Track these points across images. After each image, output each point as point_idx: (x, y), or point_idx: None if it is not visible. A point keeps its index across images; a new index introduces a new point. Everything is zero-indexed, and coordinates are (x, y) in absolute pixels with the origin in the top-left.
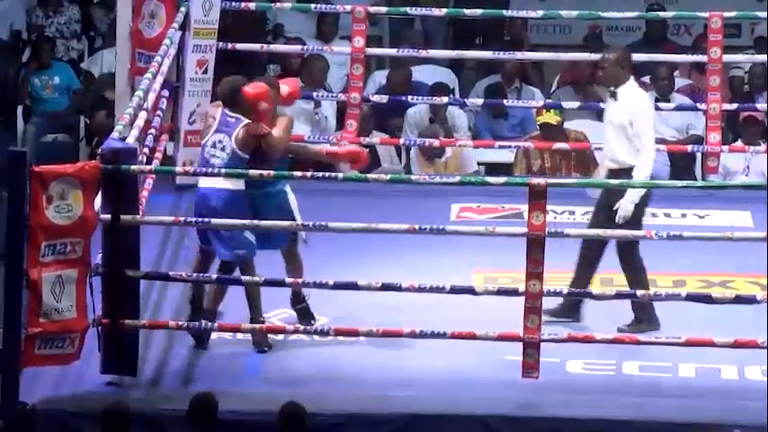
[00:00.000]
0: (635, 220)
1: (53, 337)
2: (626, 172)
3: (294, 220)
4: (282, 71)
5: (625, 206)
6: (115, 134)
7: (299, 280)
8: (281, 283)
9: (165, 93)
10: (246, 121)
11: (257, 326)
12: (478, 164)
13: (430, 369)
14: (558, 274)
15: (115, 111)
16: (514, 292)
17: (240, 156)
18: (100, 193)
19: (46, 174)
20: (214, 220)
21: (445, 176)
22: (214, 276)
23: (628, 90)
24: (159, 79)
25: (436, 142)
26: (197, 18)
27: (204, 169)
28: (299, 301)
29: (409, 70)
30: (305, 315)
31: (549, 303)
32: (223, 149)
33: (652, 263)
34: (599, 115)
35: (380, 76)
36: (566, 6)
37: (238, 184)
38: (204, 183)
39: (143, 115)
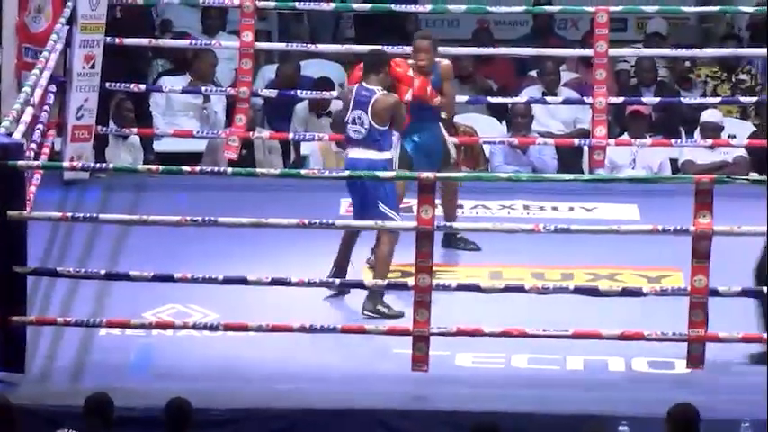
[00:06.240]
0: None
1: None
2: None
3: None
4: (171, 65)
5: None
6: (2, 130)
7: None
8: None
9: (53, 88)
10: (379, 93)
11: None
12: None
13: (321, 364)
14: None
15: (1, 106)
16: (404, 286)
17: (377, 128)
18: None
19: None
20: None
21: (334, 171)
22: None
23: None
24: (46, 74)
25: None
26: (84, 13)
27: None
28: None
29: (298, 64)
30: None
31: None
32: (362, 124)
33: (540, 256)
34: (487, 109)
35: (269, 71)
36: (455, 1)
37: (382, 154)
38: (352, 153)
39: (30, 111)
